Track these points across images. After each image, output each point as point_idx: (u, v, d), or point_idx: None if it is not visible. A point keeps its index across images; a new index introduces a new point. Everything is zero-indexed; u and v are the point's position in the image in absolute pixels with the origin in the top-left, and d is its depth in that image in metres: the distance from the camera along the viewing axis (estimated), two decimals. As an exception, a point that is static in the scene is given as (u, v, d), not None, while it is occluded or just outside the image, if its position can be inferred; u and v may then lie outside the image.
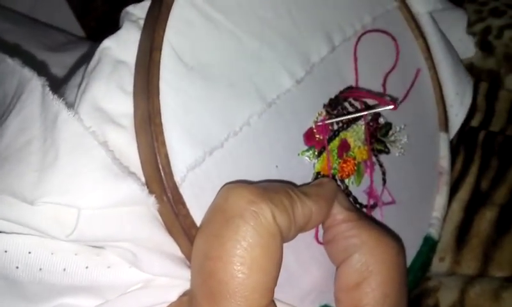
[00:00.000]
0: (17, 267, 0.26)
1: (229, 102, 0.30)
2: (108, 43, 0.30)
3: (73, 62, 0.47)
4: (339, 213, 0.29)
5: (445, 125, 0.41)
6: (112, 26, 0.31)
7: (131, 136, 0.29)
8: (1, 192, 0.25)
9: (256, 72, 0.31)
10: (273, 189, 0.27)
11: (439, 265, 0.38)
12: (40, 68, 0.28)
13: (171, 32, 0.29)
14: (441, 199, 0.39)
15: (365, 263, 0.28)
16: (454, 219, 0.39)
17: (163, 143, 0.27)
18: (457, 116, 0.41)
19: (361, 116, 0.36)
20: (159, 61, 0.28)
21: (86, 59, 0.33)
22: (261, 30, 0.32)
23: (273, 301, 0.26)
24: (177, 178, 0.27)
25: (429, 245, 0.37)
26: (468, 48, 0.45)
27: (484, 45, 0.44)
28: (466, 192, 0.39)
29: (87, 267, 0.27)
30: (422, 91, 0.41)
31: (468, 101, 0.42)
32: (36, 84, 0.27)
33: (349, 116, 0.34)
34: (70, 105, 0.27)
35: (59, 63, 0.46)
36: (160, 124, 0.27)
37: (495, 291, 0.34)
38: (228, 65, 0.30)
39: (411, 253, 0.37)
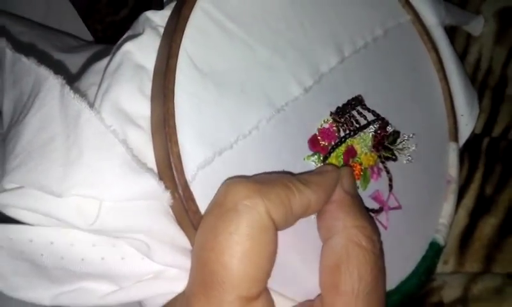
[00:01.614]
0: (42, 255, 0.28)
1: (240, 106, 0.31)
2: (130, 47, 0.31)
3: (84, 62, 0.49)
4: (337, 192, 0.30)
5: (454, 135, 0.41)
6: (116, 28, 0.33)
7: (148, 137, 0.30)
8: (28, 186, 0.27)
9: (266, 80, 0.33)
10: (271, 182, 0.28)
11: (443, 268, 0.38)
12: (56, 67, 0.29)
13: (187, 41, 0.31)
14: (448, 206, 0.39)
15: (344, 246, 0.28)
16: (459, 224, 0.39)
17: (176, 143, 0.29)
18: (467, 125, 0.42)
19: (369, 124, 0.37)
20: (175, 68, 0.30)
21: (95, 59, 0.34)
22: (273, 40, 0.34)
23: (266, 290, 0.28)
24: (188, 176, 0.29)
25: (434, 251, 0.37)
26: None
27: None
28: (471, 198, 0.40)
29: (103, 258, 0.29)
30: (433, 102, 0.41)
31: (476, 112, 0.42)
32: (53, 83, 0.29)
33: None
34: (90, 104, 0.29)
35: (71, 64, 0.48)
36: (174, 126, 0.29)
37: (497, 287, 0.35)
38: (240, 72, 0.32)
39: (416, 257, 0.37)
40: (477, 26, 0.47)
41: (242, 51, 0.33)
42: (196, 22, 0.31)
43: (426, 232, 0.38)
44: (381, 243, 0.30)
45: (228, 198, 0.27)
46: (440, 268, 0.39)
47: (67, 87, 0.29)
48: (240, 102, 0.31)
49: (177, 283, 0.30)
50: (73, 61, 0.48)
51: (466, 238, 0.39)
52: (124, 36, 0.34)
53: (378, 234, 0.30)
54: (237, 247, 0.26)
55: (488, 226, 0.38)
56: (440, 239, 0.38)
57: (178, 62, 0.30)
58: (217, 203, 0.27)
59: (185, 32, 0.31)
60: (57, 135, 0.28)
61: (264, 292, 0.27)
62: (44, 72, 0.29)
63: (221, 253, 0.26)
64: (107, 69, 0.31)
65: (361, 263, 0.28)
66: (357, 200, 0.31)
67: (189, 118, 0.30)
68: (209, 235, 0.27)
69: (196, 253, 0.27)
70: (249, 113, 0.31)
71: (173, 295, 0.30)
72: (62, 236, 0.28)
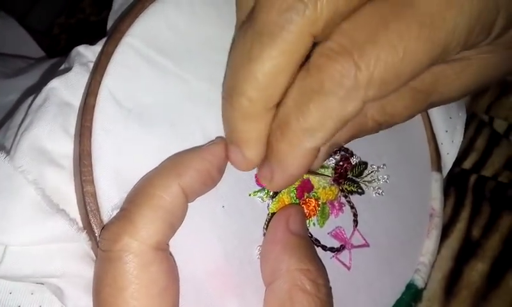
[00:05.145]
0: None
1: (169, 143, 0.28)
2: (56, 84, 0.29)
3: (31, 84, 0.47)
4: (282, 233, 0.27)
5: (437, 164, 0.36)
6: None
7: (71, 176, 0.28)
8: None
9: (203, 113, 0.30)
10: (136, 206, 0.24)
11: (425, 315, 0.33)
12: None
13: (109, 78, 0.28)
14: (430, 243, 0.34)
15: (287, 292, 0.25)
16: (443, 267, 0.33)
17: (90, 183, 0.26)
18: (448, 154, 0.36)
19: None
20: (93, 106, 0.27)
21: (44, 80, 0.32)
22: (211, 72, 0.30)
23: None
24: (104, 217, 0.26)
25: (411, 294, 0.32)
26: None
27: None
28: (456, 239, 0.34)
29: (19, 306, 0.27)
30: (410, 130, 0.36)
31: (458, 139, 0.37)
32: None
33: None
34: (2, 147, 0.28)
35: (16, 88, 0.46)
36: (90, 165, 0.27)
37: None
38: (172, 107, 0.29)
39: (390, 301, 0.32)
40: None
41: (175, 85, 0.30)
42: (121, 58, 0.29)
43: (403, 272, 0.33)
44: (328, 287, 0.26)
45: (102, 246, 0.24)
46: (422, 316, 0.34)
47: None
48: (169, 138, 0.29)
49: None
50: (20, 84, 0.46)
51: (451, 284, 0.33)
52: (59, 70, 0.32)
53: (325, 277, 0.26)
54: (118, 299, 0.23)
55: (475, 273, 0.33)
56: (419, 280, 0.33)
57: (98, 100, 0.28)
58: (98, 253, 0.25)
59: (109, 69, 0.28)
60: None
61: None
62: None
63: None
64: (31, 106, 0.30)
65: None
66: (304, 241, 0.27)
67: (107, 157, 0.27)
68: (95, 290, 0.24)
69: None
70: (180, 148, 0.29)
71: None
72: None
